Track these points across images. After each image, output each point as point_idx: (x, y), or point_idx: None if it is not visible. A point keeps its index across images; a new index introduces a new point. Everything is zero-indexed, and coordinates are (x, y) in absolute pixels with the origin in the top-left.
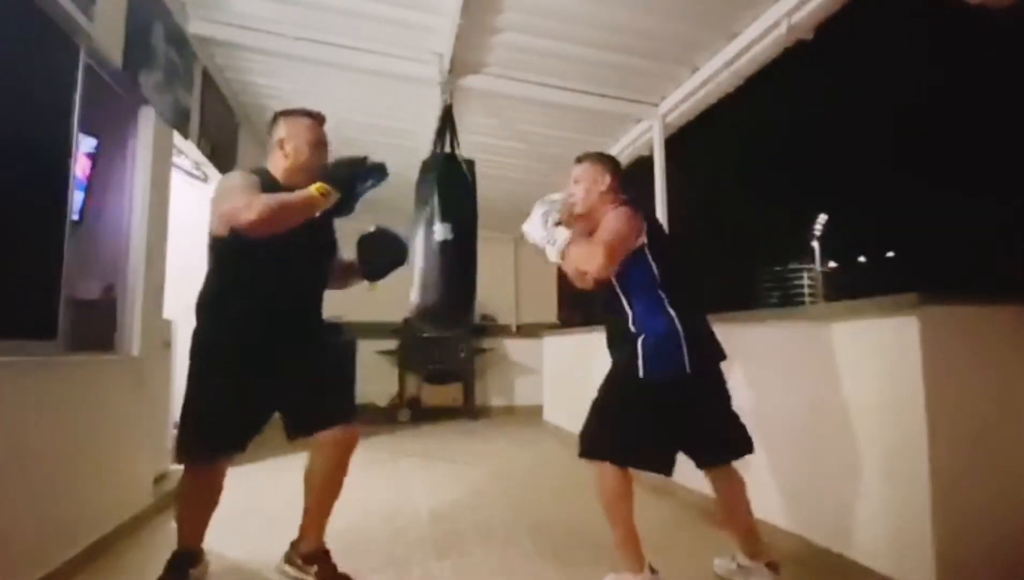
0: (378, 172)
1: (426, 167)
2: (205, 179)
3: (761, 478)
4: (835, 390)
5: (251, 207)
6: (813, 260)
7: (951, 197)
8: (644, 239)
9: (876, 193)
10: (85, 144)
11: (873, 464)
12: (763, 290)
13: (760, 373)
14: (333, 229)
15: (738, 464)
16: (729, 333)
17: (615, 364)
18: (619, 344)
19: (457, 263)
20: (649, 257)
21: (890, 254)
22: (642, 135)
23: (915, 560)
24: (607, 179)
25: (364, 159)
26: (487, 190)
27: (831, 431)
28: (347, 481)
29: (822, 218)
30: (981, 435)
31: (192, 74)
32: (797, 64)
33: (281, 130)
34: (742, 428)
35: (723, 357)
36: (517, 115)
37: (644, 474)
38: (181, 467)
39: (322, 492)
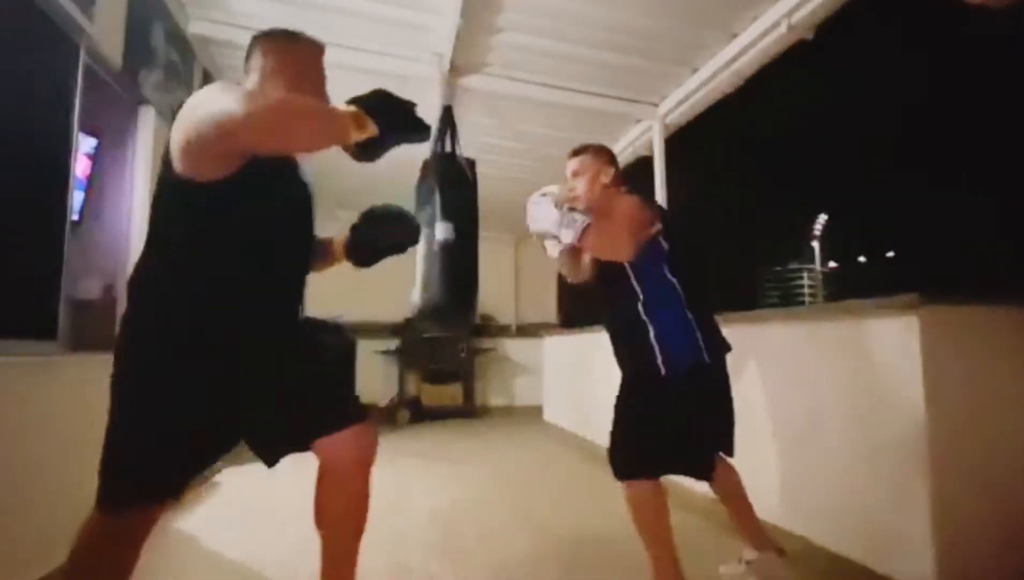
0: (422, 130)
1: (427, 167)
2: None
3: (761, 478)
4: (835, 390)
5: (257, 108)
6: (813, 260)
7: (951, 197)
8: (659, 225)
9: (876, 193)
10: (85, 144)
11: (873, 464)
12: (763, 290)
13: (760, 373)
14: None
15: (740, 472)
16: (730, 333)
17: (631, 370)
18: (627, 340)
19: (459, 263)
20: (662, 242)
21: (890, 254)
22: (642, 135)
23: (915, 560)
24: (610, 171)
25: (413, 104)
26: (487, 190)
27: (831, 431)
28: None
29: (822, 218)
30: (981, 435)
31: (192, 74)
32: (797, 64)
33: (270, 56)
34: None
35: (729, 348)
36: (517, 115)
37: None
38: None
39: (336, 523)
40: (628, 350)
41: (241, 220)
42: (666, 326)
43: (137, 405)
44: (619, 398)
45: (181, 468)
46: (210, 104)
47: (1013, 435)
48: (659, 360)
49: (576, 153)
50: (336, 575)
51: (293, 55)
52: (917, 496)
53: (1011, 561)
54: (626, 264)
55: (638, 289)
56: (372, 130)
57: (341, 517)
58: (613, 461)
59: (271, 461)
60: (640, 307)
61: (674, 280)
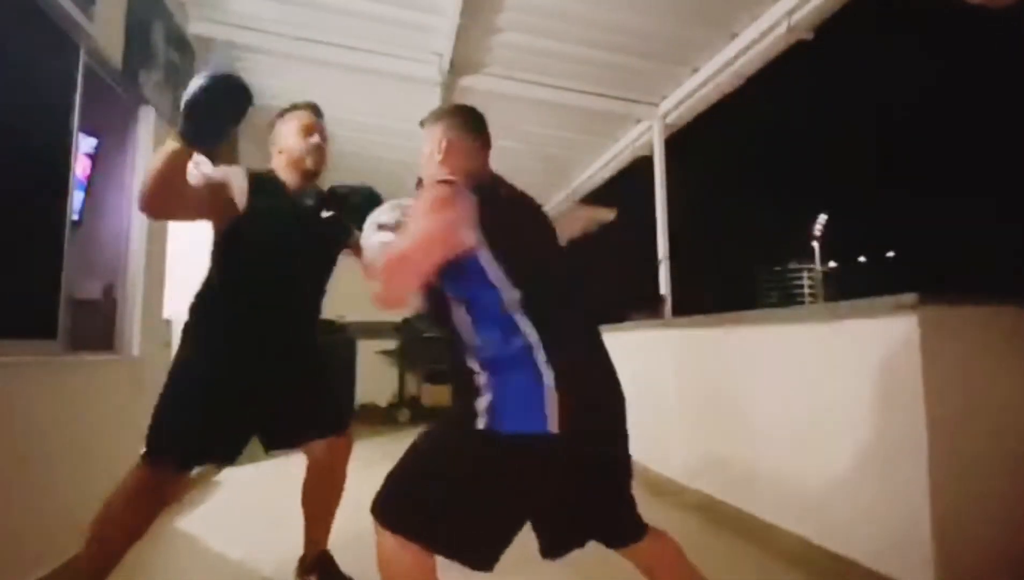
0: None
1: None
2: None
3: (761, 478)
4: (835, 390)
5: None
6: (813, 260)
7: (951, 197)
8: (476, 237)
9: (876, 193)
10: (85, 144)
11: (873, 464)
12: (763, 290)
13: (760, 373)
14: (334, 220)
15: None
16: (729, 333)
17: (453, 405)
18: (455, 379)
19: None
20: (493, 262)
21: (890, 254)
22: (642, 135)
23: (915, 560)
24: (443, 142)
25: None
26: None
27: (831, 431)
28: (347, 481)
29: (822, 218)
30: (980, 435)
31: (192, 74)
32: (797, 64)
33: (273, 131)
34: (635, 513)
35: (621, 402)
36: (517, 115)
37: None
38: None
39: (322, 503)
40: (455, 391)
41: (248, 249)
42: (497, 385)
43: (183, 385)
44: (431, 432)
45: (210, 438)
46: None
47: (1013, 435)
48: (482, 417)
49: (422, 124)
50: (316, 539)
51: (281, 125)
52: (917, 496)
53: (1011, 561)
54: (447, 291)
55: (467, 330)
56: (182, 141)
57: (326, 499)
58: (382, 501)
59: (272, 448)
60: (470, 355)
61: (519, 318)
